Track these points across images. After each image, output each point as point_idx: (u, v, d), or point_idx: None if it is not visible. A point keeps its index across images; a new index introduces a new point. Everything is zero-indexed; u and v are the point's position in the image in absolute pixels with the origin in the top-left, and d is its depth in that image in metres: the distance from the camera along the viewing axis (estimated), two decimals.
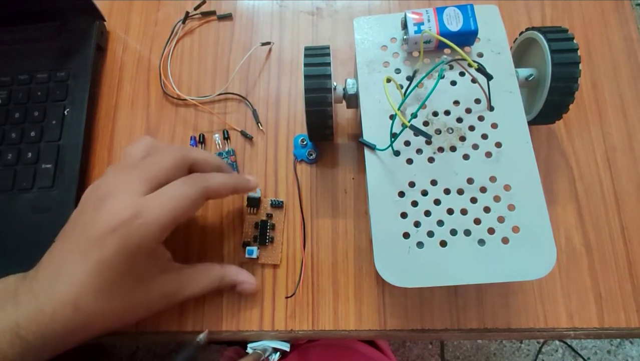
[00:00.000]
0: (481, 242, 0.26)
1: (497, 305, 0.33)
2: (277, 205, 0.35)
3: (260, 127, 0.38)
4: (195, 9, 0.42)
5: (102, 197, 0.26)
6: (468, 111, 0.29)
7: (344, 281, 0.34)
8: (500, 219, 0.26)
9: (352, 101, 0.33)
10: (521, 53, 0.35)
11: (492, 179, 0.27)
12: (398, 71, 0.30)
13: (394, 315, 0.33)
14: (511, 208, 0.26)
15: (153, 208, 0.26)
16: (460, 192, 0.27)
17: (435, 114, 0.29)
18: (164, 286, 0.29)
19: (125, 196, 0.26)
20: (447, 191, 0.27)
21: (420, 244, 0.26)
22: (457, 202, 0.26)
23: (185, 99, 0.39)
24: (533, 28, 0.32)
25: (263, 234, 0.34)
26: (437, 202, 0.27)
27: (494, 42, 0.30)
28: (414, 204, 0.27)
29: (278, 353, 0.47)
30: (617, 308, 0.32)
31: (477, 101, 0.29)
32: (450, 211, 0.26)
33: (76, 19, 0.41)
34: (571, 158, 0.36)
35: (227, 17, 0.42)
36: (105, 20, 0.42)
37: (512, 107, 0.28)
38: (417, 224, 0.26)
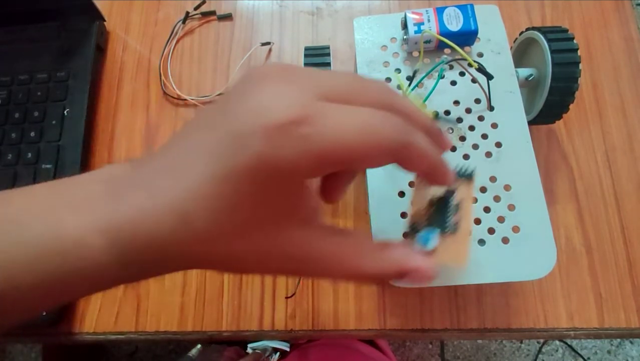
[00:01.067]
0: (481, 242, 0.26)
1: (497, 305, 0.33)
2: (466, 175, 0.23)
3: None
4: (195, 9, 0.42)
5: (258, 79, 0.17)
6: (468, 110, 0.29)
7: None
8: (501, 219, 0.26)
9: None
10: (521, 53, 0.35)
11: (492, 179, 0.27)
12: (398, 70, 0.30)
13: (394, 315, 0.33)
14: (511, 207, 0.26)
15: (332, 119, 0.16)
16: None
17: (435, 114, 0.29)
18: (298, 244, 0.19)
19: (293, 89, 0.16)
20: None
21: None
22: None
23: (185, 99, 0.39)
24: (533, 28, 0.32)
25: (442, 217, 0.21)
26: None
27: (494, 42, 0.30)
28: None
29: (278, 353, 0.47)
30: (617, 308, 0.32)
31: (477, 101, 0.29)
32: None
33: (76, 19, 0.41)
34: (571, 158, 0.36)
35: (227, 17, 0.42)
36: (105, 21, 0.42)
37: (512, 107, 0.28)
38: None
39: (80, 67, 0.39)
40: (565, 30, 0.30)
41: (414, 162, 0.19)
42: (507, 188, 0.26)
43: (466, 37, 0.29)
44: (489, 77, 0.28)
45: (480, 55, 0.30)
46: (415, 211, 0.22)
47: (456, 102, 0.29)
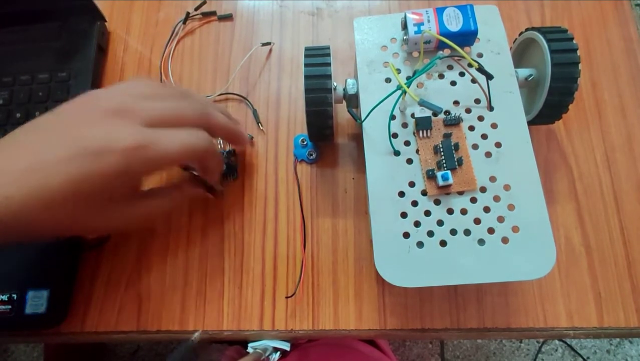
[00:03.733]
0: (481, 242, 0.26)
1: (497, 304, 0.33)
2: (454, 122, 0.29)
3: (261, 127, 0.38)
4: (196, 9, 0.42)
5: (105, 114, 0.26)
6: (468, 111, 0.29)
7: (344, 281, 0.34)
8: (500, 219, 0.26)
9: (353, 101, 0.33)
10: (521, 53, 0.35)
11: (492, 179, 0.27)
12: (398, 71, 0.30)
13: (394, 315, 0.33)
14: (511, 207, 0.26)
15: (162, 142, 0.26)
16: (460, 192, 0.27)
17: (435, 114, 0.29)
18: (126, 215, 0.28)
19: (130, 123, 0.26)
20: (449, 193, 0.27)
21: (420, 244, 0.26)
22: (457, 202, 0.27)
23: None
24: (533, 28, 0.32)
25: (449, 157, 0.27)
26: (437, 202, 0.27)
27: (494, 42, 0.30)
28: (414, 204, 0.27)
29: (278, 353, 0.47)
30: (617, 308, 0.33)
31: (477, 101, 0.29)
32: (450, 211, 0.26)
33: (77, 19, 0.41)
34: (571, 158, 0.36)
35: (228, 17, 0.43)
36: (106, 21, 0.42)
37: (511, 108, 0.28)
38: (417, 224, 0.26)
39: (82, 67, 0.40)
40: (565, 31, 0.30)
41: (209, 161, 0.31)
42: (506, 187, 0.27)
43: (466, 37, 0.29)
44: (489, 77, 0.28)
45: (480, 55, 0.30)
46: (424, 159, 0.28)
47: (456, 103, 0.29)
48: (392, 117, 0.29)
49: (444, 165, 0.27)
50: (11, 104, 0.39)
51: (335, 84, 0.32)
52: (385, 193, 0.27)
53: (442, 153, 0.27)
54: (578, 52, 0.30)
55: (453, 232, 0.26)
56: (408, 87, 0.27)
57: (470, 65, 0.28)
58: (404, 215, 0.27)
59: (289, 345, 0.46)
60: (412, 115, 0.29)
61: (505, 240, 0.26)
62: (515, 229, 0.26)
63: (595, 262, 0.34)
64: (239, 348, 0.52)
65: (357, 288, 0.33)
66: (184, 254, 0.35)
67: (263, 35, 0.42)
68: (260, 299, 0.34)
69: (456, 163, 0.27)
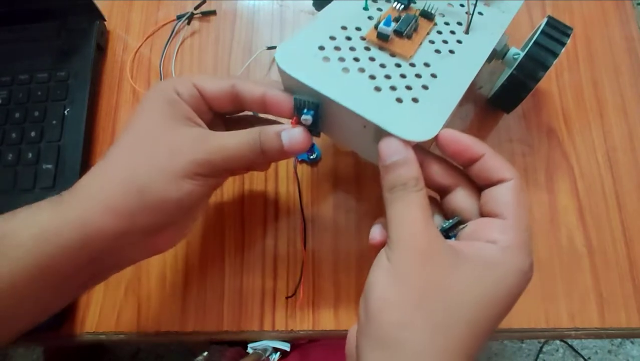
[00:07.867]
0: (378, 89, 0.26)
1: None
2: (429, 17, 0.30)
3: None
4: (196, 8, 0.42)
5: None
6: (446, 23, 0.30)
7: (345, 281, 0.34)
8: (408, 88, 0.26)
9: None
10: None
11: (426, 64, 0.28)
12: None
13: None
14: (425, 88, 0.27)
15: None
16: (392, 54, 0.28)
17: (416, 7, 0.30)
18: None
19: None
20: (383, 48, 0.28)
21: (327, 59, 0.27)
22: (383, 57, 0.27)
23: None
24: (549, 17, 0.33)
25: (404, 24, 0.28)
26: (367, 48, 0.28)
27: (507, 3, 0.31)
28: (348, 38, 0.28)
29: (278, 353, 0.47)
30: (618, 308, 0.32)
31: (459, 23, 0.30)
32: (372, 59, 0.27)
33: (76, 18, 0.41)
34: (572, 157, 0.36)
35: (211, 13, 0.42)
36: (105, 20, 0.42)
37: (481, 46, 0.29)
38: (337, 49, 0.27)
39: (81, 66, 0.39)
40: (569, 29, 0.31)
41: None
42: (433, 76, 0.27)
43: None
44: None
45: (487, 4, 0.31)
46: (385, 13, 0.29)
47: (441, 14, 0.30)
48: None
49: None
50: (10, 103, 0.39)
51: None
52: (332, 20, 0.28)
53: (401, 21, 0.28)
54: (564, 49, 0.30)
55: (361, 70, 0.27)
56: None
57: None
58: (332, 38, 0.27)
59: (289, 345, 0.46)
60: None
61: (399, 100, 0.26)
62: (415, 100, 0.26)
63: (597, 262, 0.33)
64: (239, 349, 0.52)
65: (357, 289, 0.33)
66: (184, 255, 0.35)
67: (263, 35, 0.42)
68: (261, 300, 0.33)
69: (406, 32, 0.28)
